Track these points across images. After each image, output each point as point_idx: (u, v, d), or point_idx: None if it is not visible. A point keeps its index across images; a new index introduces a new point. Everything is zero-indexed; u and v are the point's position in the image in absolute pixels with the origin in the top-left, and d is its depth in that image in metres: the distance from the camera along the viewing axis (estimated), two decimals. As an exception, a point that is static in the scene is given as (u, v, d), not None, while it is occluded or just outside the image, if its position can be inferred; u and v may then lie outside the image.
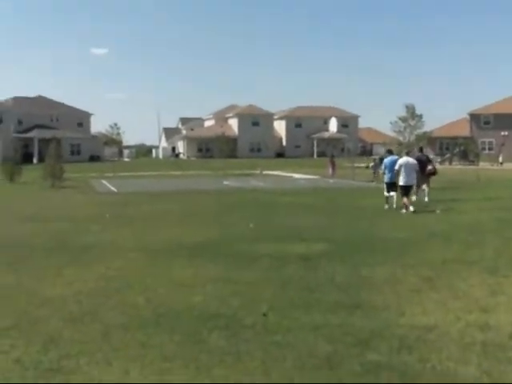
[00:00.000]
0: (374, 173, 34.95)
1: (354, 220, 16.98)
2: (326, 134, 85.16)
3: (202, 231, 14.69)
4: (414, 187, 21.08)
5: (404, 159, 19.58)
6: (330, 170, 39.71)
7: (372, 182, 32.77)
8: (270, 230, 14.76)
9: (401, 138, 30.83)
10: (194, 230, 14.87)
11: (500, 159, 65.23)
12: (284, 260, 10.52)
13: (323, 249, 11.72)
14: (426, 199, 21.72)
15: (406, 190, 19.04)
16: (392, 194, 19.95)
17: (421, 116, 29.96)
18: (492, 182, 34.75)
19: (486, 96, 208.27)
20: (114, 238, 13.72)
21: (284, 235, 13.82)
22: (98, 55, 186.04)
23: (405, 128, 30.30)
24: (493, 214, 17.46)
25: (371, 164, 38.12)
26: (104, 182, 40.69)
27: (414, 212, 18.20)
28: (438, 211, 18.19)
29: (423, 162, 21.76)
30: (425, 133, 32.25)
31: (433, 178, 22.73)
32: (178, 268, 10.05)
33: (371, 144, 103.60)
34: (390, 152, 22.41)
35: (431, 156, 28.06)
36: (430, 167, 22.28)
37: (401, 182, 19.16)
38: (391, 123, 30.36)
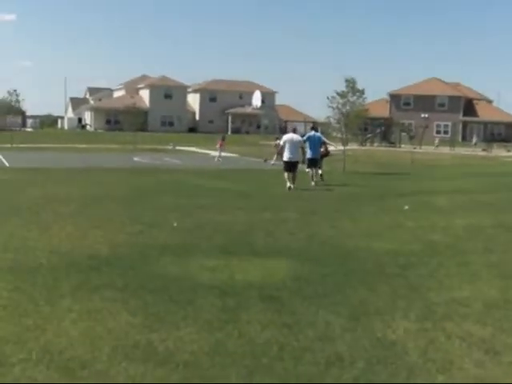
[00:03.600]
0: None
1: (304, 215, 13.18)
2: (247, 109, 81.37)
3: (106, 233, 10.32)
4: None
5: (289, 135, 19.22)
6: (218, 148, 35.70)
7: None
8: (203, 233, 10.58)
9: (337, 115, 27.13)
10: (95, 231, 10.45)
11: (436, 142, 64.22)
12: (238, 299, 6.45)
13: (291, 273, 7.66)
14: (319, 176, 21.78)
15: (289, 166, 18.63)
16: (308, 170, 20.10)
17: (362, 91, 26.27)
18: (435, 168, 31.81)
19: (406, 78, 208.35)
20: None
21: (224, 243, 9.70)
22: (5, 21, 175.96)
23: (343, 104, 26.54)
24: (485, 216, 13.01)
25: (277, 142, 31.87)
26: (-4, 154, 35.92)
27: (290, 189, 18.01)
28: (406, 207, 14.47)
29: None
30: (366, 110, 28.63)
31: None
32: (56, 318, 5.76)
33: (285, 122, 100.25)
34: (314, 129, 21.54)
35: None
36: (322, 149, 21.97)
37: (284, 158, 18.90)
38: (328, 98, 26.56)
